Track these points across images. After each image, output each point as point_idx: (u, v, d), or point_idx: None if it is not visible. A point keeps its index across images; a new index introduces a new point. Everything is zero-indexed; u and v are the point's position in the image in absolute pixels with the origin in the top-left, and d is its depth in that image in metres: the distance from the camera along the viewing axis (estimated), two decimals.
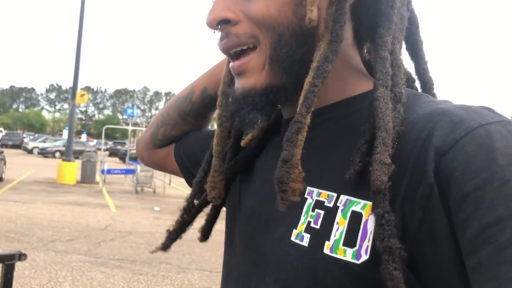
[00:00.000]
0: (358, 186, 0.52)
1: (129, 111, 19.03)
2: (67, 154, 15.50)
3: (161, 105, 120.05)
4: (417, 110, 0.54)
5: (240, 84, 0.61)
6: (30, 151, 36.52)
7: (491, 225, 0.42)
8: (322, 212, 0.55)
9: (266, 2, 0.57)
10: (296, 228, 0.57)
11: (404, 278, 0.46)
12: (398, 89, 0.55)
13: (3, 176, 14.37)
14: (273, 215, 0.62)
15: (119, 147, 41.43)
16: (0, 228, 7.16)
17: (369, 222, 0.50)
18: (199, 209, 0.78)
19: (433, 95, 0.65)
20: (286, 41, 0.57)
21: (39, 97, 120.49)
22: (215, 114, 0.77)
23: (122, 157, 31.42)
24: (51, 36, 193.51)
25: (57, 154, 33.29)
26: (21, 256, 2.75)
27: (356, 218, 0.51)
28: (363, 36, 0.62)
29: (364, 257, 0.49)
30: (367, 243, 0.49)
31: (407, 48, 0.65)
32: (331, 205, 0.54)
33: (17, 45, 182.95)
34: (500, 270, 0.41)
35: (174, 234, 0.78)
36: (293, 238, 0.57)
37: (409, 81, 0.66)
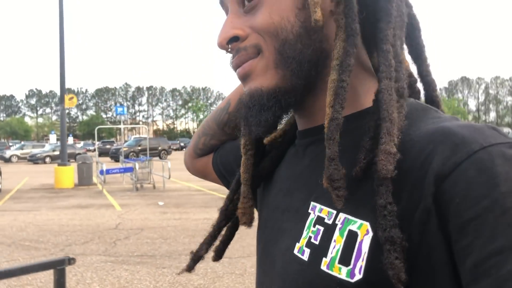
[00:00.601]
0: (357, 205, 0.53)
1: (119, 109, 18.94)
2: (62, 158, 15.46)
3: (143, 100, 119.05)
4: (421, 127, 0.53)
5: (247, 87, 0.63)
6: (8, 160, 35.99)
7: (492, 256, 0.42)
8: (322, 229, 0.56)
9: (269, 11, 0.60)
10: (298, 242, 0.59)
11: (406, 268, 0.46)
12: (401, 84, 0.55)
13: (0, 186, 14.33)
14: (282, 226, 0.65)
15: (108, 146, 41.26)
16: (12, 237, 7.22)
17: (364, 243, 0.50)
18: (219, 231, 0.81)
19: (436, 97, 0.66)
20: (290, 44, 0.59)
21: (20, 104, 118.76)
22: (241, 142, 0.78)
23: (113, 156, 31.32)
24: (25, 40, 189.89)
25: (48, 160, 33.05)
26: (71, 260, 2.87)
27: (352, 237, 0.52)
28: (371, 40, 0.62)
29: (358, 276, 0.50)
30: (361, 263, 0.50)
31: (410, 52, 0.66)
32: (330, 222, 0.55)
33: None
34: None
35: (197, 256, 0.81)
36: (295, 251, 0.59)
37: (410, 77, 0.67)
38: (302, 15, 0.59)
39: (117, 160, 28.08)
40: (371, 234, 0.50)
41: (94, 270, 5.36)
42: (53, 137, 50.14)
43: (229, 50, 0.64)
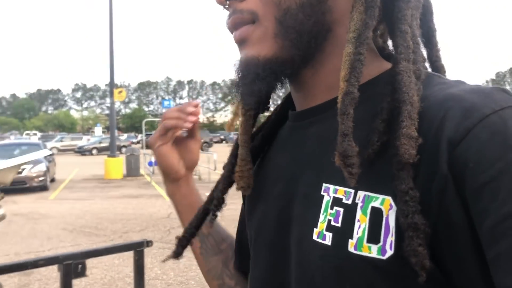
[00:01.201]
0: (375, 181, 0.51)
1: (166, 103, 19.47)
2: (112, 150, 16.08)
3: (184, 93, 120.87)
4: (428, 95, 0.51)
5: (243, 53, 0.61)
6: None
7: (507, 217, 0.42)
8: (341, 210, 0.54)
9: None
10: (316, 227, 0.56)
11: (429, 254, 0.45)
12: (418, 66, 0.54)
13: (54, 176, 15.06)
14: (291, 215, 0.61)
15: None
16: (73, 224, 7.65)
17: (390, 218, 0.49)
18: (223, 199, 0.76)
19: None
20: (292, 13, 0.57)
21: (66, 97, 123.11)
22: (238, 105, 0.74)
23: None
24: (72, 37, 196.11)
25: (94, 151, 34.24)
26: (148, 243, 3.09)
27: (376, 214, 0.50)
28: (381, 18, 0.59)
29: (390, 252, 0.48)
30: (391, 238, 0.48)
31: (421, 35, 0.62)
32: (349, 202, 0.53)
33: (40, 49, 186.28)
34: None
35: (186, 240, 0.78)
36: (315, 237, 0.56)
37: (424, 60, 0.63)
38: None
39: None
40: (395, 208, 0.48)
41: (153, 256, 5.64)
42: (98, 130, 51.80)
43: (227, 7, 0.62)
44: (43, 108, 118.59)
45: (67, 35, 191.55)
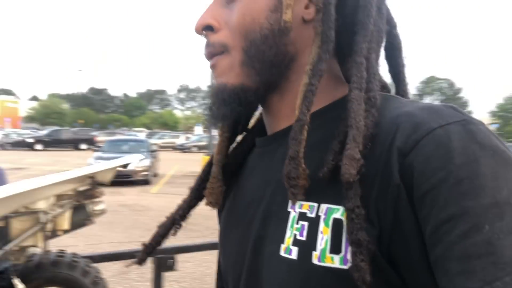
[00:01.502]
0: (337, 193, 0.53)
1: None
2: (209, 148, 16.75)
3: None
4: (386, 114, 0.55)
5: (215, 80, 0.66)
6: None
7: (444, 223, 0.45)
8: (306, 224, 0.56)
9: (243, 11, 0.62)
10: (283, 243, 0.58)
11: (370, 270, 0.48)
12: (373, 94, 0.57)
13: (157, 171, 16.05)
14: (263, 234, 0.63)
15: None
16: None
17: None
18: (189, 210, 0.79)
19: None
20: (256, 44, 0.61)
21: (171, 98, 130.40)
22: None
23: None
24: (179, 41, 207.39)
25: (194, 149, 35.90)
26: None
27: (338, 225, 0.52)
28: (344, 49, 0.63)
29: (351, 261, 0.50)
30: None
31: (390, 71, 0.69)
32: (313, 215, 0.55)
33: (150, 52, 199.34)
34: (450, 265, 0.44)
35: (150, 247, 0.78)
36: (282, 253, 0.57)
37: (384, 89, 0.67)
38: (272, 17, 0.61)
39: None
40: None
41: None
42: (198, 129, 54.12)
43: (204, 36, 0.67)
44: (150, 107, 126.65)
45: (175, 39, 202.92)
